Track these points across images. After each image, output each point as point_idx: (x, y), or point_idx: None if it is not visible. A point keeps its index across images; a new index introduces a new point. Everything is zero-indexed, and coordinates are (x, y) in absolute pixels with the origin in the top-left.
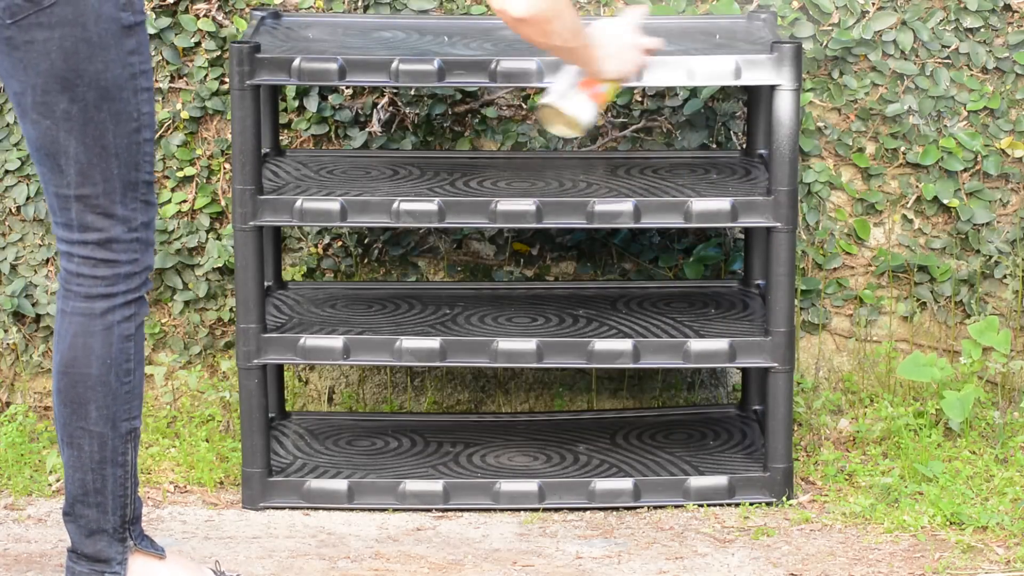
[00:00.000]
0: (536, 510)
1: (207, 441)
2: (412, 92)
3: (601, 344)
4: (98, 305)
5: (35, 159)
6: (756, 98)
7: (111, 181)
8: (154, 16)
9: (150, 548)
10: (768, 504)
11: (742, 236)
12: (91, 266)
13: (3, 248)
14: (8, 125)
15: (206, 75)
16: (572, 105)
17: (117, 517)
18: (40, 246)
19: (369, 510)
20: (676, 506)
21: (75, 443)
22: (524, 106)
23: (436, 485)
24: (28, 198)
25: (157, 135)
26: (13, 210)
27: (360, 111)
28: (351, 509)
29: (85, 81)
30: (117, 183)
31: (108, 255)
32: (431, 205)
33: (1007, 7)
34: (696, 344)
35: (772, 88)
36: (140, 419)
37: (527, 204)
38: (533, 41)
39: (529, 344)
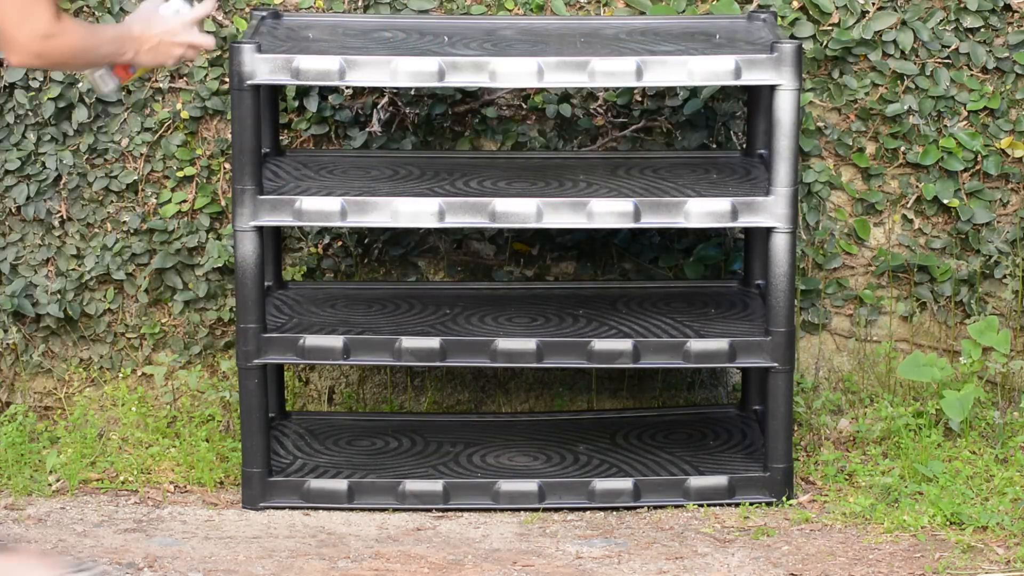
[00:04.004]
0: (536, 510)
1: (207, 441)
2: (412, 92)
3: (601, 344)
4: None
5: None
6: (756, 98)
7: None
8: None
9: None
10: (768, 504)
11: (742, 236)
12: None
13: (3, 248)
14: (8, 125)
15: (206, 75)
16: (96, 75)
17: None
18: (40, 246)
19: (369, 510)
20: (676, 506)
21: None
22: (524, 106)
23: (436, 485)
24: (28, 198)
25: (157, 135)
26: (13, 210)
27: (360, 111)
28: (351, 509)
29: None
30: None
31: None
32: (431, 205)
33: (1007, 7)
34: (696, 344)
35: (772, 88)
36: None
37: (527, 204)
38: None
39: (529, 344)
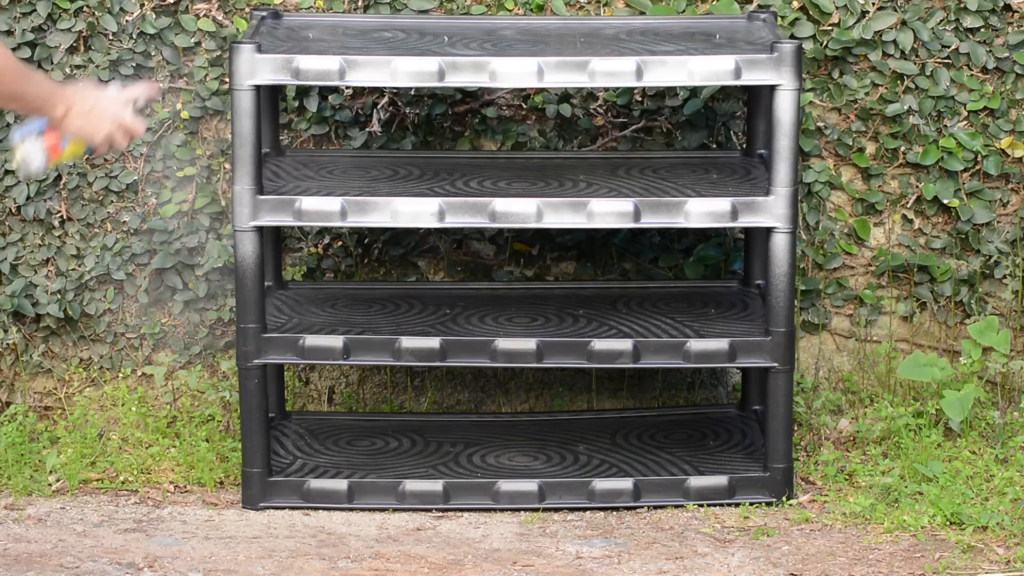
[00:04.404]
0: (536, 510)
1: (207, 441)
2: (412, 92)
3: (601, 344)
4: None
5: None
6: (756, 98)
7: None
8: (154, 16)
9: None
10: (768, 504)
11: (742, 236)
12: None
13: (3, 248)
14: (8, 125)
15: (206, 75)
16: (25, 148)
17: None
18: (40, 246)
19: (369, 510)
20: (676, 506)
21: None
22: (524, 106)
23: (436, 485)
24: (28, 198)
25: (157, 135)
26: (13, 210)
27: (360, 111)
28: (351, 509)
29: None
30: None
31: None
32: (431, 205)
33: (1007, 7)
34: (696, 344)
35: (772, 88)
36: None
37: (527, 204)
38: None
39: (529, 344)
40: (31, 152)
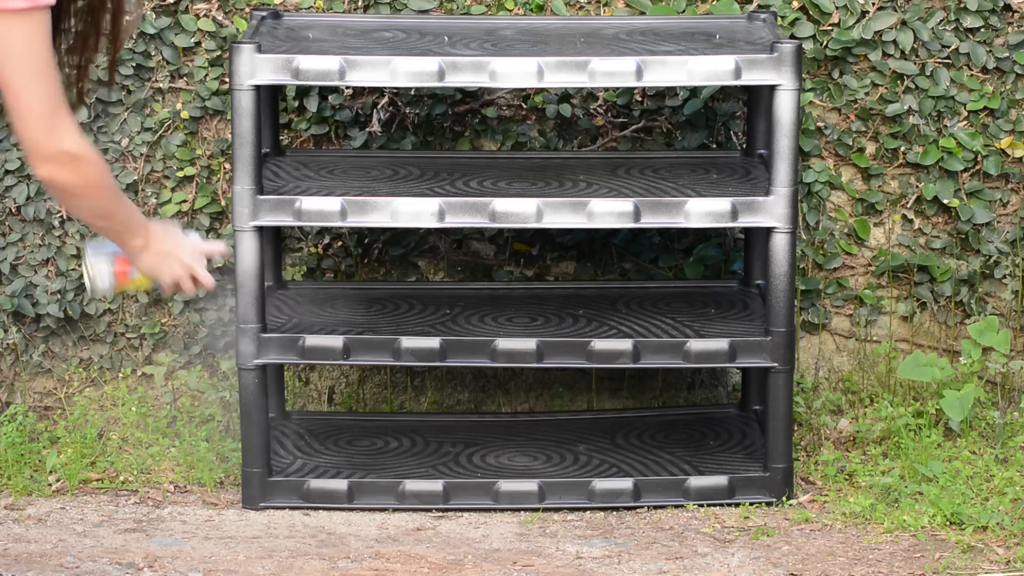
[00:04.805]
0: (536, 510)
1: (207, 441)
2: (412, 92)
3: (601, 344)
4: None
5: None
6: (756, 98)
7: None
8: (154, 16)
9: None
10: (768, 504)
11: (742, 236)
12: None
13: (3, 248)
14: (8, 125)
15: (206, 75)
16: (97, 267)
17: None
18: (40, 246)
19: (369, 510)
20: (676, 506)
21: None
22: (524, 106)
23: (436, 485)
24: (28, 198)
25: (157, 135)
26: (13, 210)
27: (360, 111)
28: (351, 509)
29: None
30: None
31: None
32: (431, 205)
33: (1007, 7)
34: (696, 344)
35: (772, 88)
36: None
37: (527, 204)
38: (55, 197)
39: (529, 344)
40: (101, 273)
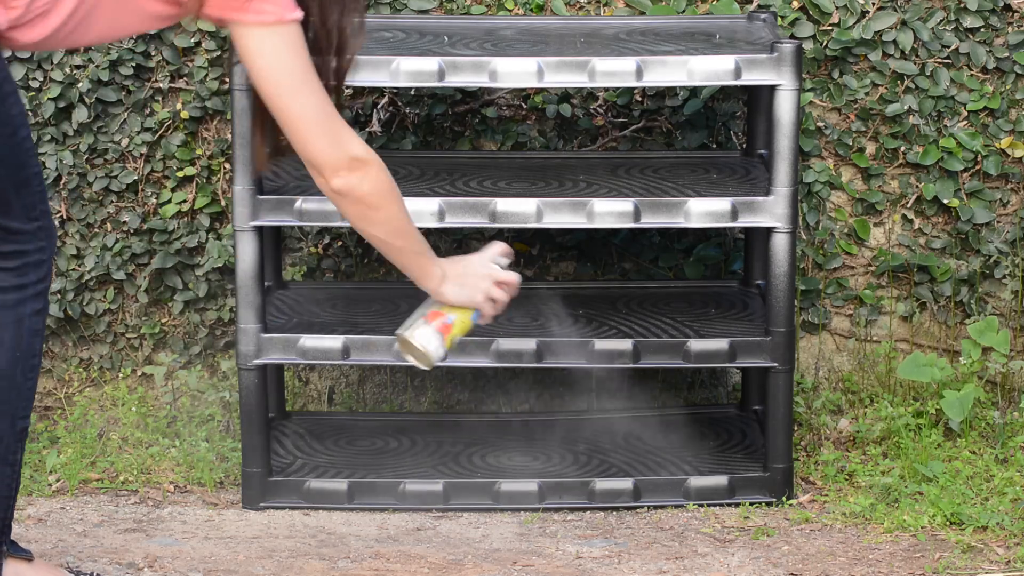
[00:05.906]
0: (536, 510)
1: (207, 441)
2: (412, 92)
3: (601, 344)
4: (10, 297)
5: None
6: (756, 98)
7: (2, 183)
8: None
9: (19, 552)
10: (768, 504)
11: (742, 236)
12: (2, 259)
13: None
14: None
15: (206, 75)
16: (419, 336)
17: None
18: None
19: (369, 510)
20: (676, 506)
21: None
22: (524, 106)
23: (436, 485)
24: None
25: (157, 135)
26: None
27: (360, 111)
28: (351, 509)
29: None
30: (9, 184)
31: (15, 247)
32: (431, 205)
33: (1007, 7)
34: (696, 344)
35: (772, 88)
36: (30, 419)
37: (527, 204)
38: (352, 220)
39: (529, 344)
40: (426, 338)
